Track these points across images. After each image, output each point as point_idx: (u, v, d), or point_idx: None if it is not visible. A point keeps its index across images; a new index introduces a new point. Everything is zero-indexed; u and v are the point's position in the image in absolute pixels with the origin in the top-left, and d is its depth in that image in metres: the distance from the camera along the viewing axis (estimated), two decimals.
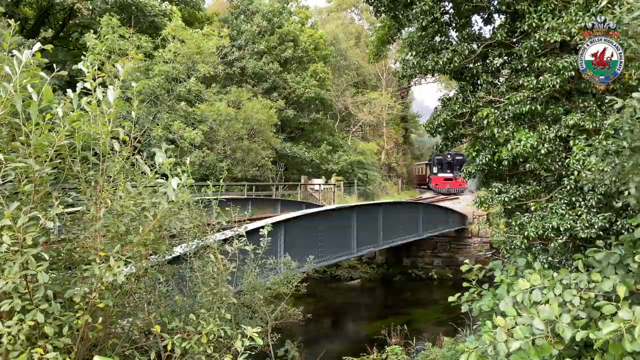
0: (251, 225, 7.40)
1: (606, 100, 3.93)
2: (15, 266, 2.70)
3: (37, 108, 2.93)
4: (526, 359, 2.65)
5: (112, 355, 3.41)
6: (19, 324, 2.76)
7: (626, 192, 3.64)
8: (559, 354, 2.79)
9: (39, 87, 3.12)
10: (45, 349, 2.81)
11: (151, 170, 3.53)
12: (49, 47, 3.39)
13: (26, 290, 2.81)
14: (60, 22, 28.63)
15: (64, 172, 3.41)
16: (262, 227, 5.51)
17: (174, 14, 24.34)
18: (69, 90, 3.36)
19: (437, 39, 8.47)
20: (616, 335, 2.55)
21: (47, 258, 2.81)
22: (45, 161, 3.06)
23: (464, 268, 4.34)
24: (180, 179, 3.44)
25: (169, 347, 3.50)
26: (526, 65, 7.41)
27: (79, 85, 3.33)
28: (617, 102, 3.57)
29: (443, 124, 8.40)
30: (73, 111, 3.23)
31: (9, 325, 2.74)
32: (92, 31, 21.29)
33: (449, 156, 37.99)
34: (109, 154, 3.50)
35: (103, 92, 3.36)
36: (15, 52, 3.08)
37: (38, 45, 3.21)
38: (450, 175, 37.89)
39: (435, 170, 39.48)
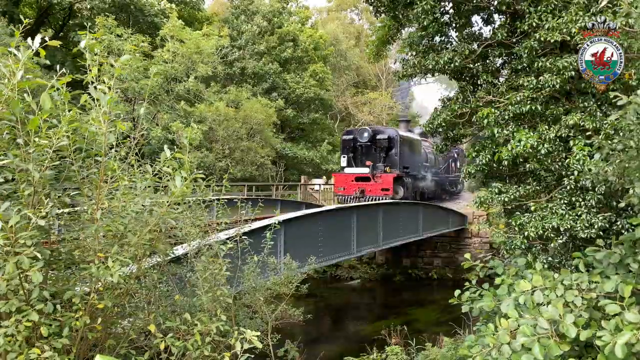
0: (252, 225, 7.39)
1: (611, 96, 3.92)
2: (8, 267, 2.67)
3: (37, 120, 2.88)
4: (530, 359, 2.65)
5: (112, 356, 3.40)
6: (15, 324, 2.75)
7: (630, 191, 3.63)
8: (561, 355, 2.79)
9: (36, 84, 3.09)
10: (43, 350, 2.79)
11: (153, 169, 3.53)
12: (55, 43, 3.29)
13: (22, 292, 2.80)
14: (60, 23, 28.61)
15: (64, 172, 3.40)
16: (264, 228, 5.52)
17: (172, 13, 24.31)
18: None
19: (437, 39, 8.48)
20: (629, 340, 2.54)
21: (40, 257, 2.78)
22: (44, 163, 3.04)
23: (465, 265, 4.34)
24: (185, 177, 3.43)
25: (162, 347, 3.49)
26: (526, 65, 7.42)
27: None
28: (621, 99, 3.57)
29: (443, 124, 8.41)
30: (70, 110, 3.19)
31: (7, 326, 2.73)
32: (87, 28, 21.20)
33: (365, 135, 20.52)
34: (107, 153, 3.48)
35: (101, 89, 3.33)
36: (13, 49, 3.01)
37: (39, 38, 3.06)
38: (366, 170, 20.00)
39: (343, 162, 21.26)
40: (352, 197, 19.95)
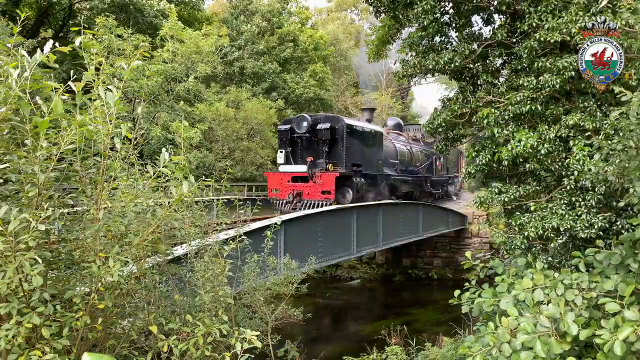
0: (253, 225, 7.40)
1: (615, 92, 3.92)
2: (9, 271, 2.67)
3: (47, 122, 2.87)
4: (529, 358, 2.65)
5: (113, 356, 3.39)
6: (16, 326, 2.75)
7: (631, 190, 3.63)
8: (561, 354, 2.79)
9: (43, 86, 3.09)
10: (44, 351, 2.79)
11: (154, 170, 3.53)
12: (65, 49, 3.18)
13: (22, 294, 2.80)
14: (60, 23, 28.62)
15: (64, 173, 3.39)
16: (264, 228, 5.52)
17: (171, 13, 24.28)
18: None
19: (437, 39, 8.48)
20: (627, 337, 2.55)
21: (41, 262, 2.78)
22: (49, 165, 3.04)
23: (465, 265, 4.34)
24: (191, 181, 3.44)
25: (164, 349, 3.48)
26: (526, 65, 7.41)
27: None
28: (625, 94, 3.57)
29: (443, 124, 8.41)
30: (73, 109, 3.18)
31: (8, 328, 2.73)
32: (82, 28, 21.15)
33: (303, 125, 16.29)
34: (109, 154, 3.48)
35: (107, 89, 3.32)
36: (23, 52, 2.99)
37: (50, 44, 3.04)
38: (303, 168, 15.57)
39: (280, 158, 16.79)
40: (285, 201, 15.67)
